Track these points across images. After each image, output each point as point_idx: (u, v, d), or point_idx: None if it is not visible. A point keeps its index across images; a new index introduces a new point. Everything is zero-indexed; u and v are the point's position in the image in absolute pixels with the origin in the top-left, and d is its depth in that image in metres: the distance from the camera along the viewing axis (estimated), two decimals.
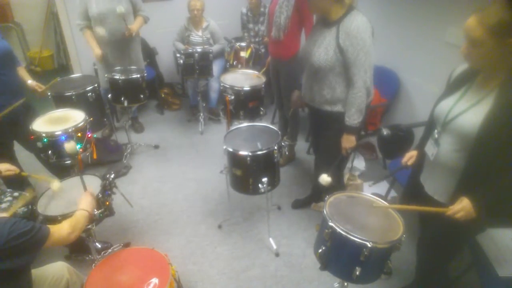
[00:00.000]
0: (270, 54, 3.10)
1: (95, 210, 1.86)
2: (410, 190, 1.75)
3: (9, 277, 1.26)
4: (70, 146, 1.80)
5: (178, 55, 3.63)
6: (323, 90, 2.07)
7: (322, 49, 1.96)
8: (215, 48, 3.88)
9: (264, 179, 2.21)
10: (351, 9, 1.91)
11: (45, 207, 1.86)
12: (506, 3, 1.17)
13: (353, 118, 2.01)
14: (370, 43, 1.88)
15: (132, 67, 3.36)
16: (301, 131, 3.47)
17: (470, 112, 1.33)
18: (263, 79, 2.86)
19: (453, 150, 1.39)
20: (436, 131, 1.47)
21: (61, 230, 1.43)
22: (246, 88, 2.71)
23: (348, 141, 2.10)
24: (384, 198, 2.03)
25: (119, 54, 3.36)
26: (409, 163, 1.70)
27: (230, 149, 2.19)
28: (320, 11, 2.00)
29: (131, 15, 3.33)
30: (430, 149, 1.50)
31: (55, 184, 1.88)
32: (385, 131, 2.56)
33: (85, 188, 1.82)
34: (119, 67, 3.30)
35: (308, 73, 2.15)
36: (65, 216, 1.77)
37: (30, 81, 2.50)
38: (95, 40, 3.26)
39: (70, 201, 1.90)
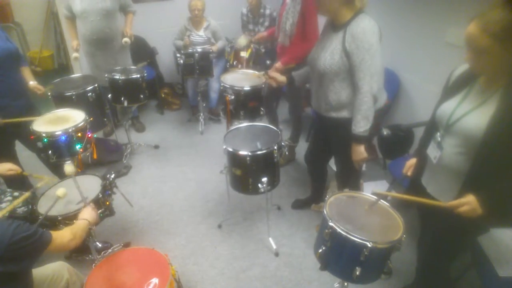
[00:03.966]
0: (278, 57, 3.08)
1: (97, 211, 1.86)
2: (413, 192, 1.74)
3: (10, 279, 1.26)
4: (69, 168, 1.82)
5: (178, 55, 3.63)
6: (329, 96, 2.01)
7: (328, 54, 1.91)
8: (220, 44, 3.90)
9: (264, 179, 2.22)
10: (360, 12, 1.85)
11: (45, 207, 1.86)
12: (507, 6, 1.15)
13: (359, 125, 1.90)
14: (376, 47, 1.81)
15: (118, 67, 3.33)
16: (302, 131, 3.47)
17: (474, 114, 1.32)
18: (263, 79, 2.86)
19: (457, 152, 1.38)
20: (438, 134, 1.46)
21: (62, 237, 1.43)
22: (246, 88, 2.71)
23: (358, 153, 1.98)
24: (384, 198, 2.02)
25: (102, 52, 3.33)
26: (409, 173, 1.69)
27: (230, 149, 2.19)
28: (329, 14, 1.95)
29: (117, 13, 3.31)
30: (432, 152, 1.49)
31: (60, 190, 1.88)
32: (385, 131, 2.55)
33: (81, 195, 1.83)
34: (104, 67, 3.29)
35: (315, 79, 2.10)
36: (65, 216, 1.78)
37: (31, 82, 2.50)
38: (74, 32, 3.26)
39: (69, 201, 1.90)
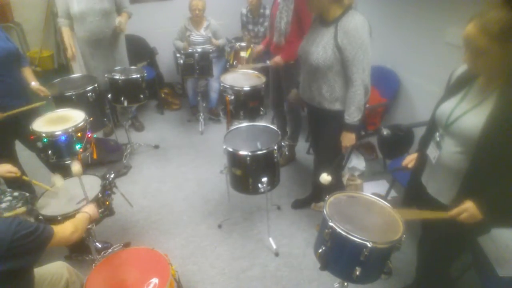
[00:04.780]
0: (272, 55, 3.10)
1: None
2: (412, 191, 1.75)
3: (12, 278, 1.26)
4: (76, 169, 1.79)
5: (178, 55, 3.63)
6: (322, 89, 2.08)
7: (321, 48, 1.98)
8: (221, 42, 3.92)
9: (264, 179, 2.22)
10: (349, 8, 1.93)
11: (45, 207, 1.86)
12: (505, 6, 1.15)
13: (353, 116, 2.03)
14: (368, 42, 1.90)
15: (117, 67, 3.34)
16: (301, 131, 3.46)
17: (472, 114, 1.32)
18: (263, 79, 2.87)
19: (456, 152, 1.38)
20: (437, 134, 1.46)
21: (64, 230, 1.44)
22: (246, 88, 2.71)
23: (348, 139, 2.11)
24: (384, 198, 2.03)
25: (101, 53, 3.32)
26: (410, 165, 1.70)
27: (230, 149, 2.19)
28: (319, 10, 2.01)
29: (114, 14, 3.29)
30: (432, 152, 1.49)
31: (59, 181, 1.89)
32: (385, 131, 2.56)
33: (84, 193, 1.83)
34: (103, 68, 3.28)
35: (307, 72, 2.16)
36: (65, 216, 1.78)
37: (33, 83, 2.49)
38: (72, 40, 3.18)
39: (69, 201, 1.91)
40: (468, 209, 1.30)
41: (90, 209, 1.72)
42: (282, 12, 2.71)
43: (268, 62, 3.16)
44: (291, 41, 2.79)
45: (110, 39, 3.30)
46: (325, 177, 1.82)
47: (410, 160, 1.71)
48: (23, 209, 1.89)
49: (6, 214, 1.84)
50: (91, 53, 3.31)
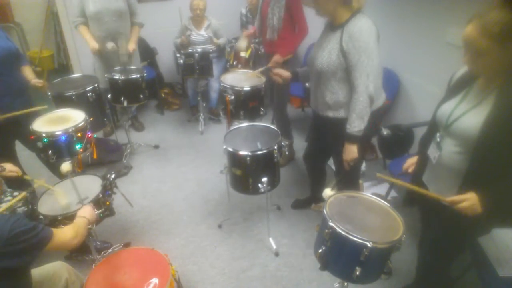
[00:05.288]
0: (266, 54, 3.12)
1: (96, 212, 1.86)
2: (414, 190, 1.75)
3: (8, 277, 1.25)
4: (65, 167, 1.81)
5: (178, 55, 3.63)
6: (326, 96, 2.01)
7: (326, 53, 1.92)
8: (222, 41, 3.93)
9: (264, 179, 2.22)
10: (357, 12, 1.85)
11: (45, 207, 1.86)
12: (505, 6, 1.14)
13: (354, 125, 1.90)
14: (374, 47, 1.81)
15: (132, 67, 3.37)
16: (301, 130, 3.46)
17: (471, 114, 1.32)
18: (263, 79, 2.87)
19: (456, 152, 1.38)
20: (438, 134, 1.46)
21: (64, 235, 1.40)
22: (246, 88, 2.71)
23: (349, 152, 1.98)
24: (384, 198, 2.03)
25: (115, 52, 3.34)
26: (410, 170, 1.69)
27: (230, 149, 2.19)
28: (326, 14, 1.95)
29: (127, 15, 3.34)
30: (432, 152, 1.49)
31: (58, 191, 1.89)
32: (385, 131, 2.56)
33: (78, 196, 1.84)
34: (118, 67, 3.31)
35: (313, 78, 2.11)
36: (65, 216, 1.78)
37: (33, 80, 2.50)
38: (91, 35, 3.25)
39: (70, 201, 1.91)
40: (470, 198, 1.30)
41: (87, 212, 1.68)
42: (274, 8, 2.73)
43: (269, 65, 3.17)
44: (284, 37, 2.80)
45: (126, 39, 3.34)
46: (328, 193, 1.77)
47: (410, 164, 1.70)
48: (23, 194, 1.88)
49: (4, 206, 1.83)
50: (107, 52, 3.32)
